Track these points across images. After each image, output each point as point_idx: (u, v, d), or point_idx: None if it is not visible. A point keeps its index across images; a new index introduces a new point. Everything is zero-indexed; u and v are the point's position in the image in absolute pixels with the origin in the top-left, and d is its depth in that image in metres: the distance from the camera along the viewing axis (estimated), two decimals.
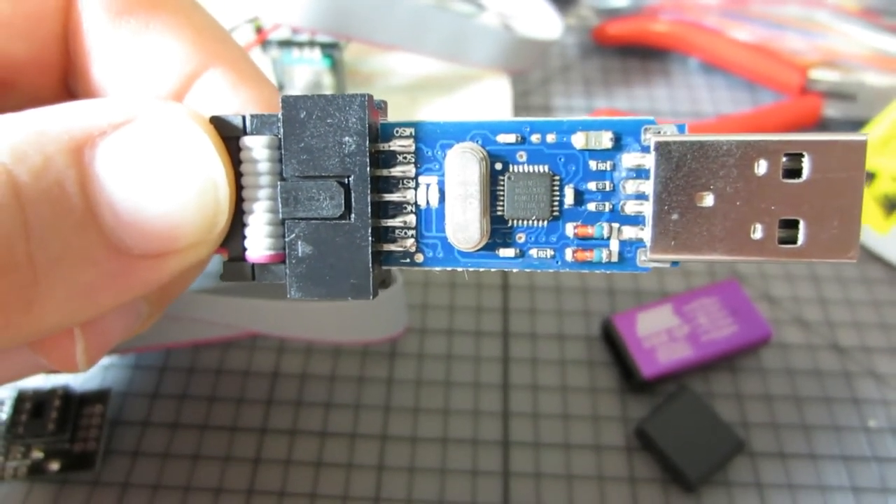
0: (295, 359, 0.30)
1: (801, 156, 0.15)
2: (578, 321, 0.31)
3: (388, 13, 0.34)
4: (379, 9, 0.34)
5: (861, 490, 0.26)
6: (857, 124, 0.39)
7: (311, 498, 0.26)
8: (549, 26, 0.40)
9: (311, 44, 0.34)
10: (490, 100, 0.39)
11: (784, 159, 0.15)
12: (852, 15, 0.45)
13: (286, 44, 0.34)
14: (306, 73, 0.34)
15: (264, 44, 0.34)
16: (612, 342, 0.30)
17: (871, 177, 0.36)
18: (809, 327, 0.31)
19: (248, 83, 0.20)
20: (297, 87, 0.35)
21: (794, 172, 0.15)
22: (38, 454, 0.27)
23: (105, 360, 0.30)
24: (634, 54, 0.45)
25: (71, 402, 0.27)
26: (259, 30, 0.34)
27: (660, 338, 0.29)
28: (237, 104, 0.20)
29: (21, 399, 0.27)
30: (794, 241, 0.15)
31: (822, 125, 0.40)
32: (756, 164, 0.15)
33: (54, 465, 0.26)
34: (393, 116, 0.17)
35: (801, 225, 0.15)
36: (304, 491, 0.26)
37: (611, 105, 0.41)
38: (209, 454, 0.27)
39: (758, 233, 0.15)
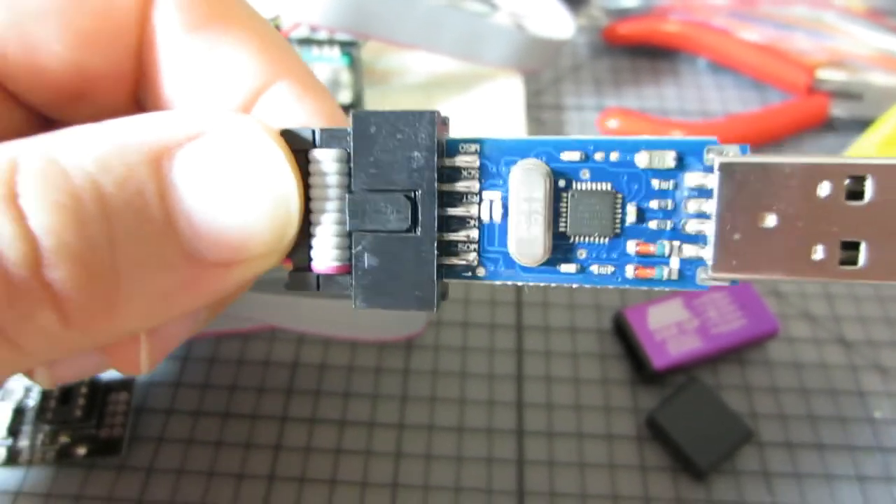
0: (314, 350, 0.31)
1: (864, 178, 0.15)
2: (590, 315, 0.32)
3: (404, 12, 0.35)
4: (396, 8, 0.35)
5: (866, 479, 0.27)
6: (863, 124, 0.40)
7: (331, 484, 0.27)
8: (561, 26, 0.41)
9: (331, 42, 0.35)
10: (503, 98, 0.39)
11: (847, 182, 0.15)
12: (859, 16, 0.45)
13: (306, 42, 0.35)
14: (325, 71, 0.34)
15: None
16: (623, 335, 0.30)
17: None
18: (816, 321, 0.32)
19: (311, 96, 0.20)
20: None
21: (857, 195, 0.15)
22: (65, 439, 0.27)
23: None
24: (644, 54, 0.45)
25: (97, 390, 0.28)
26: (279, 28, 0.35)
27: (670, 331, 0.30)
28: (302, 116, 0.20)
29: None
30: (854, 262, 0.15)
31: (829, 124, 0.41)
32: (819, 186, 0.15)
33: (81, 450, 0.27)
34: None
35: (863, 246, 0.15)
36: (324, 477, 0.27)
37: (620, 104, 0.42)
38: (231, 441, 0.28)
39: (819, 254, 0.15)
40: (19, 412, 0.28)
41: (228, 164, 0.16)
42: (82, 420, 0.27)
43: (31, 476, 0.27)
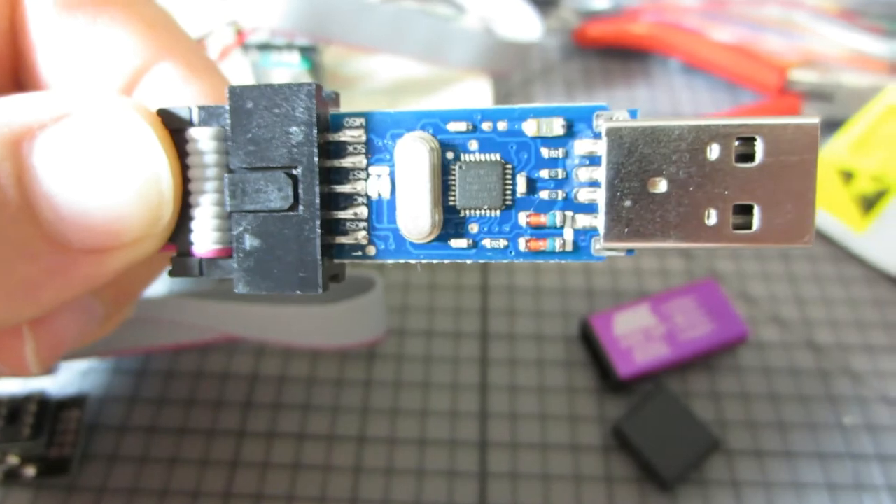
0: (273, 362, 0.30)
1: (754, 140, 0.15)
2: (557, 322, 0.31)
3: (367, 16, 0.34)
4: (358, 12, 0.34)
5: (836, 487, 0.26)
6: (835, 124, 0.39)
7: (289, 500, 0.26)
8: (529, 28, 0.40)
9: (290, 47, 0.34)
10: (471, 101, 0.39)
11: (736, 143, 0.15)
12: (831, 16, 0.45)
13: (265, 47, 0.34)
14: (285, 76, 0.34)
15: (243, 46, 0.34)
16: (589, 342, 0.30)
17: (848, 176, 0.36)
18: (786, 326, 0.31)
19: (199, 76, 0.20)
20: None
21: (748, 157, 0.15)
22: (13, 459, 0.26)
23: (83, 365, 0.30)
24: (615, 56, 0.45)
25: (47, 408, 0.27)
26: (238, 33, 0.34)
27: (636, 337, 0.29)
28: (189, 97, 0.19)
29: None
30: (748, 227, 0.15)
31: None
32: (708, 149, 0.15)
33: (30, 471, 0.26)
34: None
35: (756, 210, 0.15)
36: (282, 493, 0.26)
37: None
38: (187, 457, 0.27)
39: (712, 218, 0.15)
40: None
41: (93, 145, 0.15)
42: (31, 439, 0.26)
43: None
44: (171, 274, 0.17)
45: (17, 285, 0.15)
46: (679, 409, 0.27)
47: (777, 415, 0.28)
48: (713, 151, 0.15)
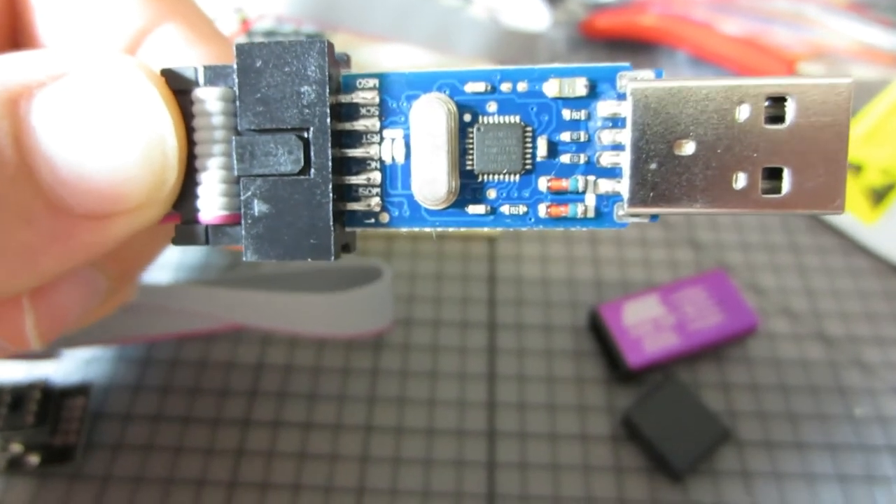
0: (279, 350, 0.30)
1: (784, 100, 0.14)
2: (565, 312, 0.31)
3: (374, 3, 0.34)
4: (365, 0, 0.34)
5: (846, 478, 0.26)
6: None
7: (295, 489, 0.26)
8: (536, 18, 0.40)
9: (296, 34, 0.34)
10: None
11: (766, 104, 0.14)
12: (840, 8, 0.45)
13: (271, 34, 0.34)
14: None
15: (249, 34, 0.34)
16: (598, 332, 0.30)
17: (857, 169, 0.36)
18: (796, 317, 0.31)
19: (204, 39, 0.19)
20: None
21: (778, 118, 0.14)
22: (17, 447, 0.26)
23: (87, 354, 0.29)
24: (623, 48, 0.45)
25: (51, 396, 0.27)
26: (244, 20, 0.34)
27: (646, 327, 0.29)
28: (193, 60, 0.19)
29: None
30: (777, 192, 0.15)
31: None
32: (738, 110, 0.14)
33: (34, 459, 0.26)
34: None
35: (786, 173, 0.14)
36: (288, 482, 0.26)
37: None
38: (192, 446, 0.27)
39: (740, 182, 0.15)
40: None
41: (94, 104, 0.15)
42: (35, 426, 0.26)
43: None
44: (175, 242, 0.16)
45: (15, 251, 0.15)
46: (689, 400, 0.27)
47: (787, 406, 0.28)
48: (742, 112, 0.14)
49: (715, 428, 0.26)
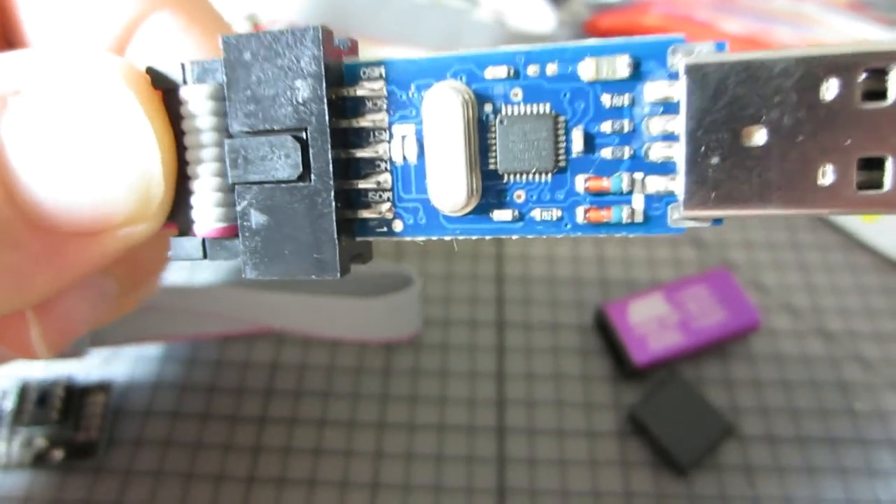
0: (294, 350, 0.30)
1: (885, 72, 0.11)
2: (572, 311, 0.32)
3: (383, 8, 0.35)
4: (374, 4, 0.35)
5: (847, 471, 0.27)
6: None
7: (311, 484, 0.27)
8: (541, 20, 0.41)
9: None
10: None
11: (863, 76, 0.11)
12: (840, 7, 0.45)
13: None
14: None
15: None
16: (604, 331, 0.30)
17: None
18: (797, 314, 0.32)
19: (201, 26, 0.17)
20: None
21: (878, 94, 0.12)
22: (41, 443, 0.27)
23: (108, 352, 0.30)
24: None
25: (74, 393, 0.28)
26: (255, 25, 0.34)
27: (651, 326, 0.29)
28: (190, 50, 0.17)
29: (25, 389, 0.28)
30: (878, 186, 0.12)
31: None
32: (824, 86, 0.12)
33: (58, 454, 0.27)
34: None
35: (889, 164, 0.12)
36: (304, 478, 0.27)
37: None
38: (210, 442, 0.28)
39: (828, 177, 0.12)
40: None
41: (69, 115, 0.13)
42: (59, 423, 0.27)
43: (7, 480, 0.26)
44: (172, 257, 0.15)
45: (2, 274, 0.14)
46: (693, 396, 0.28)
47: (789, 401, 0.29)
48: (830, 89, 0.12)
49: (718, 423, 0.27)
